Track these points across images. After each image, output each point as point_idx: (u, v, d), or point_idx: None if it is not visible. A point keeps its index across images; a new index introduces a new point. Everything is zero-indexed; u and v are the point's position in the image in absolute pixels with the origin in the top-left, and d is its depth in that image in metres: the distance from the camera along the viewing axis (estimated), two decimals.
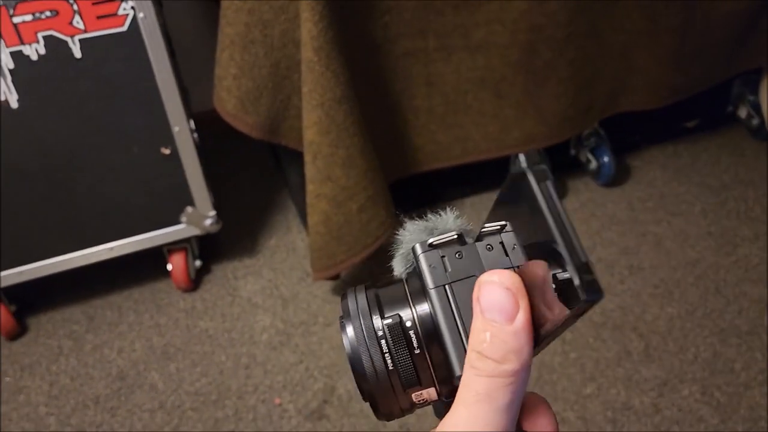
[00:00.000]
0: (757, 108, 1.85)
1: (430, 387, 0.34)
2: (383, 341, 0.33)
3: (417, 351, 0.33)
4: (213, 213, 1.47)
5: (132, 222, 1.44)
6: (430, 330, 0.33)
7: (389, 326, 0.33)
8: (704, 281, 1.52)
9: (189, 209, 1.45)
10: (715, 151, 1.89)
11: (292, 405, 1.33)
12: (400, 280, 0.35)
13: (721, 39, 1.62)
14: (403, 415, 0.35)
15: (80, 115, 1.29)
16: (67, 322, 1.53)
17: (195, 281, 1.59)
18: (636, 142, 1.91)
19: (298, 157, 1.40)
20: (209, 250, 1.65)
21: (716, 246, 1.60)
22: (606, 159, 1.74)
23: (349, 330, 0.33)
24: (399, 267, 0.35)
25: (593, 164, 1.76)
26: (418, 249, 0.33)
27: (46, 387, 1.40)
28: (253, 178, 1.91)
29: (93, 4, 1.20)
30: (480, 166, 1.61)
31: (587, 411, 1.29)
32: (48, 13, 1.18)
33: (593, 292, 0.26)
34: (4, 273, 1.39)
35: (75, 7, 1.19)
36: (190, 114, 1.38)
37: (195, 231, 1.48)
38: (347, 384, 1.35)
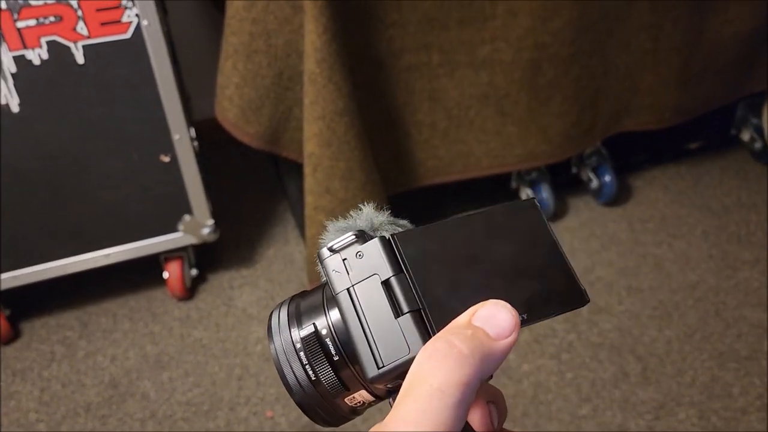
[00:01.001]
0: (760, 132, 1.84)
1: (360, 390, 0.33)
2: (302, 353, 0.33)
3: (336, 358, 0.32)
4: (211, 222, 1.47)
5: (129, 229, 1.43)
6: (344, 335, 0.32)
7: (304, 338, 0.33)
8: (704, 304, 1.51)
9: (187, 218, 1.45)
10: (718, 173, 1.88)
11: (284, 418, 1.31)
12: (321, 286, 0.35)
13: (726, 61, 1.62)
14: (351, 419, 0.35)
15: (81, 121, 1.29)
16: (60, 327, 1.52)
17: (191, 290, 1.58)
18: (638, 163, 1.90)
19: (298, 168, 1.40)
20: (206, 259, 1.64)
21: (716, 269, 1.59)
22: (607, 178, 1.73)
23: (272, 347, 0.33)
24: (323, 273, 0.34)
25: (594, 183, 1.75)
26: (323, 254, 0.33)
27: (37, 393, 1.39)
28: (253, 188, 1.90)
29: (97, 10, 1.20)
30: (481, 182, 1.61)
31: None
32: (52, 19, 1.18)
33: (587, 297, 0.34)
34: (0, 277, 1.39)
35: (79, 13, 1.19)
36: (191, 122, 1.38)
37: (192, 240, 1.48)
38: None
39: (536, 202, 0.34)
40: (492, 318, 0.29)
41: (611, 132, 1.64)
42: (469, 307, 0.30)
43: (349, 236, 0.32)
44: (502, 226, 0.33)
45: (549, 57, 1.42)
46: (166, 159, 1.36)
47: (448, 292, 0.31)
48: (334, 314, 0.33)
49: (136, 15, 1.21)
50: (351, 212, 0.35)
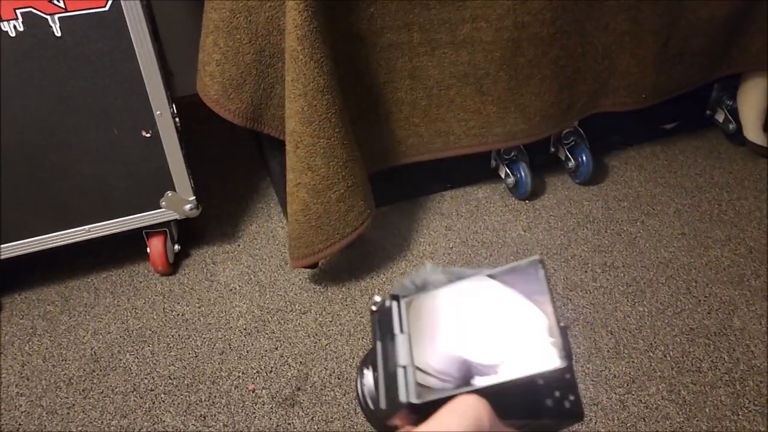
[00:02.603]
0: (734, 113, 1.88)
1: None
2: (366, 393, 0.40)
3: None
4: (193, 198, 1.47)
5: (111, 204, 1.43)
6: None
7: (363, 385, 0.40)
8: (675, 281, 1.55)
9: (169, 194, 1.45)
10: (692, 153, 1.92)
11: (266, 391, 1.33)
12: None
13: (703, 44, 1.65)
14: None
15: (59, 94, 1.28)
16: (42, 302, 1.53)
17: (173, 265, 1.59)
18: (614, 143, 1.93)
19: (280, 145, 1.41)
20: (189, 235, 1.65)
21: (689, 247, 1.63)
22: (584, 158, 1.76)
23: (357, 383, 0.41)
24: None
25: (571, 163, 1.78)
26: (371, 314, 0.40)
27: (18, 367, 1.39)
28: (236, 165, 1.91)
29: None
30: (461, 160, 1.63)
31: None
32: None
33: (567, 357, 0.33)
34: None
35: None
36: (172, 98, 1.37)
37: (174, 215, 1.48)
38: (321, 372, 1.36)
39: (540, 262, 0.36)
40: None
41: (589, 112, 1.67)
42: (444, 370, 0.34)
43: (380, 300, 0.39)
44: (499, 291, 0.36)
45: (529, 37, 1.43)
46: (147, 134, 1.36)
47: (432, 351, 0.35)
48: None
49: None
50: (413, 271, 0.40)
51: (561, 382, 0.37)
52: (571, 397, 0.37)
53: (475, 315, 0.36)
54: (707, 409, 1.30)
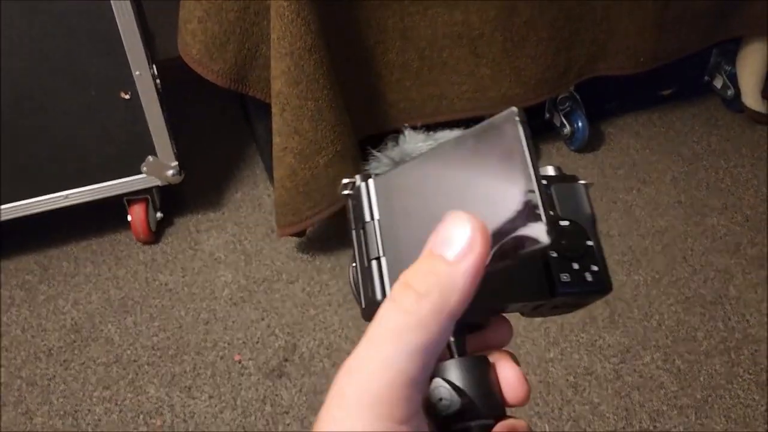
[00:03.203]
0: (733, 79, 1.84)
1: None
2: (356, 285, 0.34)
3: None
4: (175, 163, 1.42)
5: (89, 170, 1.38)
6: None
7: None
8: (671, 250, 1.52)
9: (150, 159, 1.40)
10: (689, 120, 1.88)
11: (252, 362, 1.30)
12: None
13: (702, 7, 1.60)
14: None
15: (32, 53, 1.22)
16: (19, 271, 1.48)
17: (156, 233, 1.54)
18: (611, 109, 1.89)
19: (266, 108, 1.36)
20: (172, 202, 1.60)
21: (685, 215, 1.60)
22: (580, 124, 1.72)
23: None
24: None
25: (567, 129, 1.74)
26: (347, 199, 0.35)
27: None
28: (222, 130, 1.85)
29: None
30: (453, 126, 1.58)
31: (549, 375, 1.29)
32: None
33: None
34: None
35: None
36: (153, 59, 1.31)
37: (156, 181, 1.43)
38: (309, 342, 1.33)
39: (516, 114, 0.28)
40: (448, 239, 0.26)
41: (585, 76, 1.62)
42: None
43: (350, 181, 0.33)
44: (474, 152, 0.29)
45: None
46: (126, 96, 1.31)
47: (408, 236, 0.30)
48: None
49: None
50: (390, 140, 0.34)
51: (578, 251, 0.32)
52: (594, 268, 0.32)
53: (447, 188, 0.29)
54: (702, 378, 1.28)
